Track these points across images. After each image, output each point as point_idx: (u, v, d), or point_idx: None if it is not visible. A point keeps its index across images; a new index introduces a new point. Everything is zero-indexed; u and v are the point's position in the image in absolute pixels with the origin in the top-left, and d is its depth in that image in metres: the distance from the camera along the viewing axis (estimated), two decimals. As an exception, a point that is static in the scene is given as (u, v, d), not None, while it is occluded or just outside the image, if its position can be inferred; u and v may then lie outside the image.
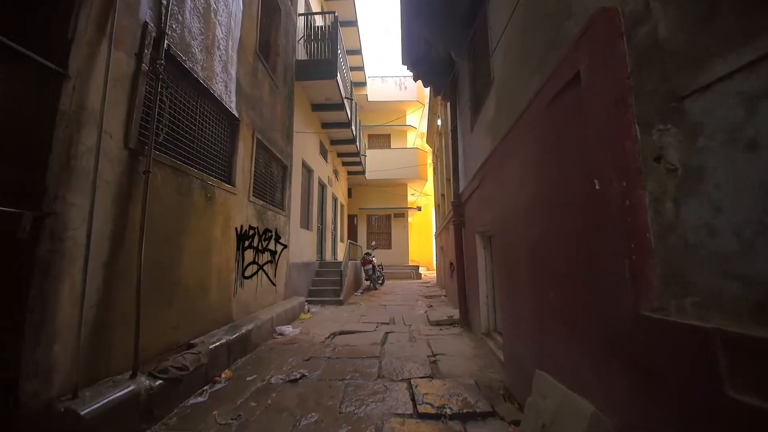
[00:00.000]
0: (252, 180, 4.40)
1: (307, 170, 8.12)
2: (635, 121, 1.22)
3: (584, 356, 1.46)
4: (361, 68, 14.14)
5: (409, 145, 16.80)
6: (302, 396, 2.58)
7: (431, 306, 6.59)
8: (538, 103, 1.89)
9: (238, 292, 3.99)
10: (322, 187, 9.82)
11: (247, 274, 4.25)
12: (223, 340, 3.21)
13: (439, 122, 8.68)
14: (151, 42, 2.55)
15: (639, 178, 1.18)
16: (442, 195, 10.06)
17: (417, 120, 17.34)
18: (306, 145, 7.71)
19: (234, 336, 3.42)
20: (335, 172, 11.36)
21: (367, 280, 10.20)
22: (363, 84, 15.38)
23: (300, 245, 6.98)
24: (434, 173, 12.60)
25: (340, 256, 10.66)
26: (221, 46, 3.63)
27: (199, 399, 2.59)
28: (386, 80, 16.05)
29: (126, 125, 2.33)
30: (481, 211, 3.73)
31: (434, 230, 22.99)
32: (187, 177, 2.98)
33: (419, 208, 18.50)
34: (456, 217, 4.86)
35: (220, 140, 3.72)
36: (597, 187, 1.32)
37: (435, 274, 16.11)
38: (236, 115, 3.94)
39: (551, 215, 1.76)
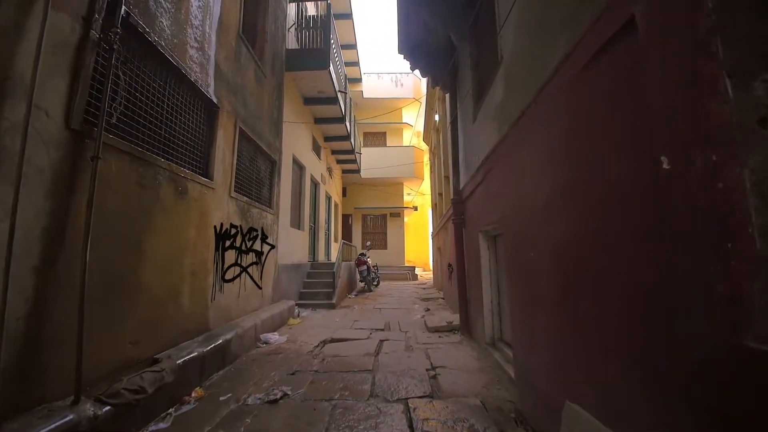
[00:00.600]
0: (234, 174, 4.02)
1: (299, 167, 7.74)
2: (724, 73, 0.88)
3: (641, 392, 1.11)
4: (356, 63, 13.79)
5: (406, 143, 16.47)
6: (282, 421, 2.21)
7: (428, 310, 6.24)
8: (566, 71, 1.54)
9: (217, 298, 3.60)
10: (315, 185, 9.44)
11: (227, 277, 3.87)
12: (195, 354, 2.83)
13: (436, 117, 8.36)
14: (104, 6, 2.16)
15: (734, 151, 0.83)
16: (440, 194, 9.74)
17: (413, 118, 17.03)
18: (297, 141, 7.33)
19: (209, 348, 3.04)
20: (329, 170, 10.99)
21: (361, 281, 9.85)
22: (358, 80, 15.02)
23: (290, 245, 6.60)
24: (431, 171, 12.28)
25: (334, 257, 10.23)
26: (196, 22, 3.25)
27: (161, 425, 2.21)
28: (382, 77, 15.70)
29: (68, 101, 1.94)
30: (485, 207, 3.39)
31: (431, 230, 22.73)
32: (151, 167, 2.59)
33: (415, 208, 18.14)
34: (456, 215, 4.52)
35: (195, 128, 3.33)
36: (666, 167, 0.97)
37: (431, 276, 15.79)
38: (215, 100, 3.56)
39: (587, 207, 1.41)
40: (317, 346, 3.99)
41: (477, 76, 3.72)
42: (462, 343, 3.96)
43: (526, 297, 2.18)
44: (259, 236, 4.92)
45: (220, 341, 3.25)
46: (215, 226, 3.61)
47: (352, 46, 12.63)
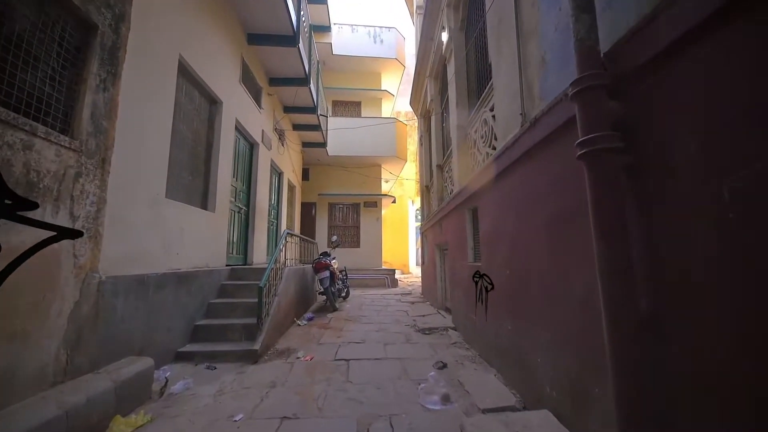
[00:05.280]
0: None
1: (206, 97, 4.36)
2: None
3: None
4: (323, 1, 10.46)
5: (385, 116, 13.35)
6: None
7: (444, 366, 3.12)
8: None
9: None
10: (251, 145, 6.07)
11: None
12: None
13: (443, 37, 5.28)
14: None
15: None
16: (439, 166, 6.69)
17: (395, 86, 13.96)
18: (198, 42, 3.98)
19: None
20: (279, 133, 7.63)
21: (321, 294, 6.59)
22: (326, 29, 11.70)
23: (161, 236, 3.25)
24: (420, 146, 9.25)
25: (285, 256, 6.47)
26: None
27: None
28: (357, 30, 12.45)
29: None
30: None
31: (411, 226, 19.70)
32: None
33: (394, 200, 15.06)
34: (592, 116, 1.41)
35: None
36: None
37: (416, 280, 12.72)
38: None
39: None
40: None
41: None
42: None
43: None
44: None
45: None
46: None
47: (317, -31, 9.33)
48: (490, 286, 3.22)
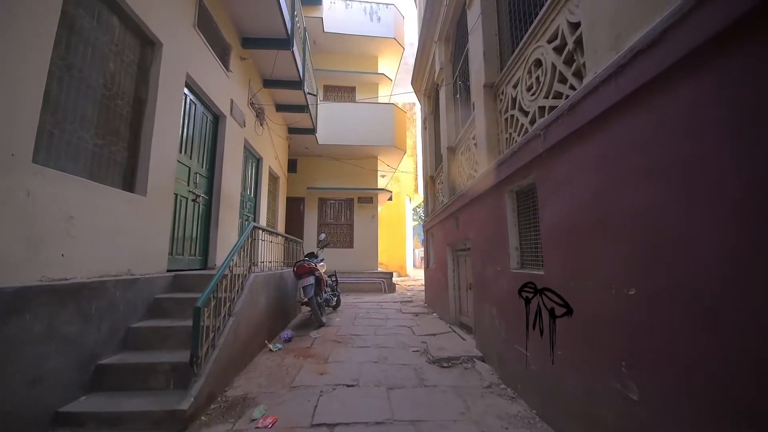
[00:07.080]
0: None
1: (133, 30, 3.03)
2: None
3: None
4: (312, -34, 9.22)
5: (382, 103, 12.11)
6: None
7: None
8: None
9: None
10: (215, 116, 4.78)
11: None
12: None
13: (464, -27, 4.06)
14: None
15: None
16: (450, 148, 5.47)
17: (392, 70, 12.73)
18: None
19: None
20: (255, 108, 6.34)
21: (304, 304, 5.29)
22: (317, 1, 10.42)
23: (32, 226, 1.96)
24: (425, 130, 8.03)
25: (264, 257, 4.48)
26: None
27: None
28: (351, 5, 11.20)
29: None
30: None
31: (408, 225, 18.43)
32: None
33: (390, 197, 13.81)
34: None
35: None
36: None
37: (414, 284, 11.44)
38: None
39: None
40: None
41: None
42: None
43: None
44: None
45: None
46: None
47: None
48: (562, 310, 2.01)
